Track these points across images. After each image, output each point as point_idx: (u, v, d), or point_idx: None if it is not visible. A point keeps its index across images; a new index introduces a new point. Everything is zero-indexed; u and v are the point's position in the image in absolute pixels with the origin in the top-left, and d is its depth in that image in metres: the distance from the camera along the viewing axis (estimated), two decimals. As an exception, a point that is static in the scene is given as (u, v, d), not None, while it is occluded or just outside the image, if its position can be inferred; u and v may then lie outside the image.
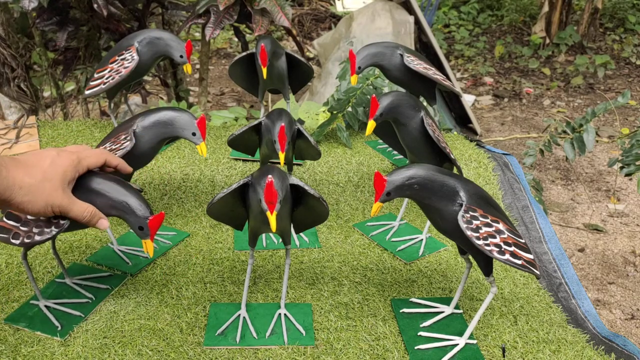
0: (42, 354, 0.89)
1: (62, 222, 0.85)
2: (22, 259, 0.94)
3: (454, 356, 0.91)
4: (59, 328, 0.93)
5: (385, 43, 1.31)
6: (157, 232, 1.19)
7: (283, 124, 1.02)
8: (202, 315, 0.98)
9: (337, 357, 0.90)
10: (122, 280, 1.05)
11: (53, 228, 0.85)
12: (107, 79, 1.31)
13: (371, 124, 1.06)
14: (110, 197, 0.86)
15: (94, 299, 0.99)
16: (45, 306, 0.97)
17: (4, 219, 0.88)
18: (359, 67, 1.27)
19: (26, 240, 0.86)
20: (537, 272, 0.87)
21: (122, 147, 1.02)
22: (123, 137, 1.04)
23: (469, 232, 0.83)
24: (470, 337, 0.94)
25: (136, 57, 1.29)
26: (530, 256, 0.87)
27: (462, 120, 3.34)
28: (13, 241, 0.86)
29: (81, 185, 0.87)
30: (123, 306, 0.99)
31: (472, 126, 3.31)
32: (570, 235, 2.45)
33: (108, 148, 1.05)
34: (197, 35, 4.39)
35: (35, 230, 0.86)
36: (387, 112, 1.06)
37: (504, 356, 0.92)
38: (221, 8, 1.83)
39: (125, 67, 1.29)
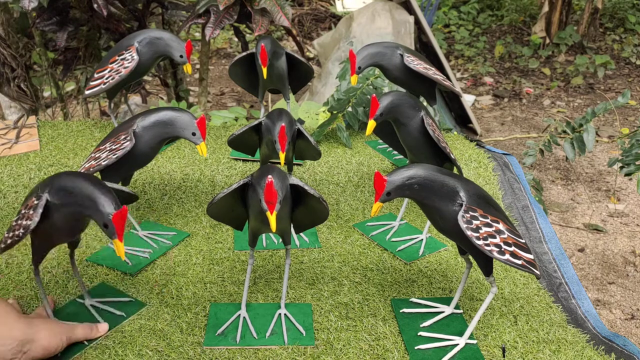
0: (42, 354, 0.88)
1: (28, 222, 0.81)
2: (35, 276, 0.90)
3: (454, 356, 0.91)
4: (59, 356, 0.88)
5: (385, 43, 1.31)
6: (157, 232, 1.18)
7: (283, 124, 1.02)
8: (202, 315, 0.98)
9: (337, 357, 0.90)
10: (139, 308, 0.98)
11: (21, 230, 0.81)
12: (107, 79, 1.31)
13: (371, 124, 1.06)
14: (76, 194, 0.80)
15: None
16: None
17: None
18: (359, 67, 1.27)
19: (1, 246, 0.84)
20: (537, 272, 0.87)
21: (122, 147, 1.02)
22: (123, 137, 1.04)
23: (469, 232, 0.83)
24: (470, 337, 0.94)
25: (136, 57, 1.29)
26: (530, 256, 0.87)
27: (462, 120, 3.34)
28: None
29: (56, 185, 0.82)
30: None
31: (472, 126, 3.31)
32: (570, 235, 2.45)
33: (108, 148, 1.05)
34: (197, 35, 4.39)
35: (9, 234, 0.84)
36: (387, 112, 1.06)
37: (504, 356, 0.92)
38: (221, 8, 1.83)
39: (125, 67, 1.29)
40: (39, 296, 0.99)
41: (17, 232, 0.83)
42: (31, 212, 0.82)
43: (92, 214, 0.80)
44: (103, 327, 0.93)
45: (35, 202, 0.83)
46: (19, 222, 0.84)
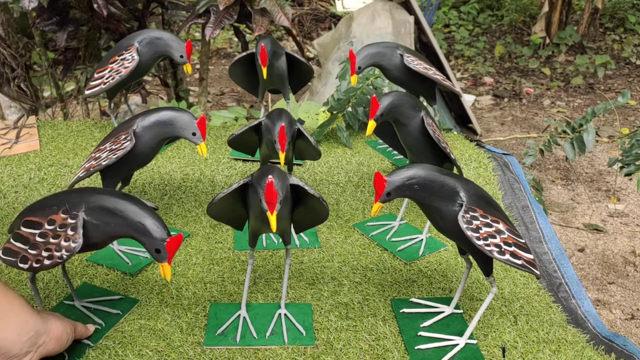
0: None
1: (73, 245, 0.80)
2: (30, 283, 0.89)
3: (454, 356, 0.91)
4: (65, 357, 0.87)
5: (385, 43, 1.31)
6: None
7: (283, 124, 1.02)
8: (202, 315, 0.98)
9: (337, 357, 0.90)
10: (133, 305, 0.99)
11: (64, 252, 0.80)
12: (107, 79, 1.31)
13: (371, 124, 1.06)
14: (124, 218, 0.80)
15: (103, 325, 0.94)
16: None
17: (12, 240, 0.84)
18: (359, 67, 1.27)
19: (35, 265, 0.81)
20: (537, 272, 0.87)
21: (122, 147, 1.02)
22: (123, 137, 1.04)
23: (469, 232, 0.83)
24: (470, 337, 0.94)
25: (136, 57, 1.29)
26: (530, 256, 0.87)
27: (462, 120, 3.34)
28: (21, 265, 0.81)
29: (93, 205, 0.82)
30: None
31: (472, 126, 3.31)
32: (570, 235, 2.45)
33: (108, 148, 1.05)
34: (197, 35, 4.39)
35: (44, 254, 0.80)
36: (388, 112, 1.06)
37: (504, 356, 0.92)
38: (221, 8, 1.83)
39: (125, 67, 1.29)
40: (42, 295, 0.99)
41: (57, 254, 0.80)
42: (70, 232, 0.80)
43: (142, 238, 0.80)
44: (92, 327, 0.92)
45: (71, 220, 0.81)
46: (52, 240, 0.81)
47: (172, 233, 0.83)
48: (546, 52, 4.57)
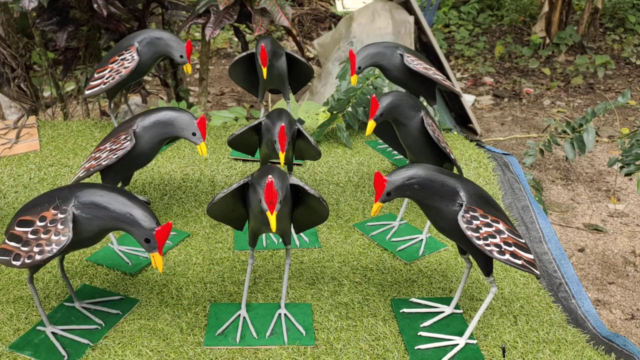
0: None
1: (63, 238, 0.81)
2: (28, 283, 0.89)
3: (454, 356, 0.91)
4: (65, 357, 0.88)
5: (385, 43, 1.31)
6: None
7: (283, 124, 1.02)
8: (202, 315, 0.98)
9: (337, 357, 0.90)
10: (133, 305, 0.99)
11: (54, 246, 0.81)
12: (107, 79, 1.31)
13: (371, 124, 1.07)
14: (112, 209, 0.82)
15: (103, 325, 0.94)
16: (52, 333, 0.92)
17: (6, 241, 0.85)
18: (359, 67, 1.27)
19: (27, 261, 0.81)
20: (537, 272, 0.87)
21: (122, 147, 1.02)
22: (123, 137, 1.04)
23: (469, 232, 0.83)
24: (470, 337, 0.94)
25: (136, 57, 1.29)
26: (530, 256, 0.87)
27: (462, 120, 3.34)
28: (14, 263, 0.82)
29: (83, 199, 0.83)
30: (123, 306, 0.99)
31: (472, 126, 3.31)
32: (570, 235, 2.45)
33: (108, 148, 1.05)
34: (197, 35, 4.39)
35: (35, 249, 0.81)
36: (387, 112, 1.07)
37: (504, 356, 0.92)
38: (221, 8, 1.82)
39: (125, 67, 1.29)
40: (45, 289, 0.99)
41: (48, 248, 0.81)
42: (60, 226, 0.81)
43: (132, 229, 0.81)
44: None
45: (60, 215, 0.82)
46: (43, 236, 0.81)
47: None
48: (546, 52, 4.57)
